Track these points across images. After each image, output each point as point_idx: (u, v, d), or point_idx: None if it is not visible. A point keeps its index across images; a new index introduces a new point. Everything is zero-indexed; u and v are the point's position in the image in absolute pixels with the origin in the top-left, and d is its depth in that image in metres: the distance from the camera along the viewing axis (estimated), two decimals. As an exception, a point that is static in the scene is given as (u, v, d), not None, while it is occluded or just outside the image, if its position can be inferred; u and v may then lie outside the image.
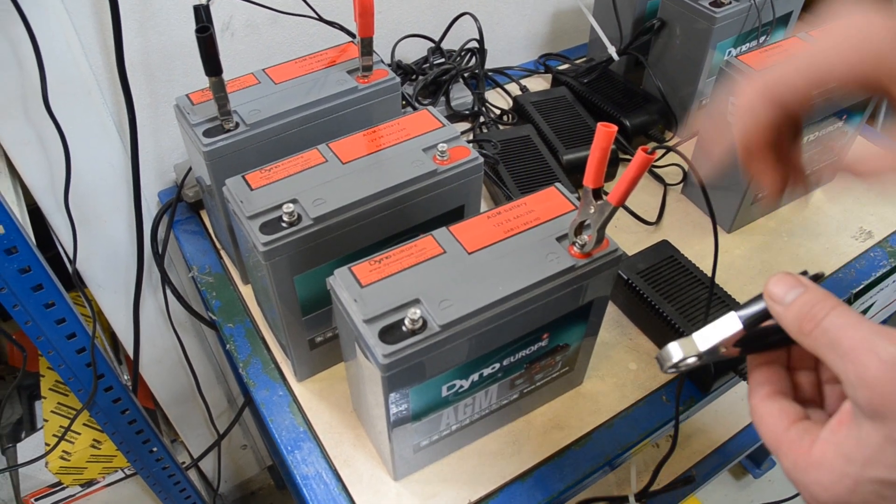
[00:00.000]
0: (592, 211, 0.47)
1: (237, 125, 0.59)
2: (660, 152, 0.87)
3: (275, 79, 0.63)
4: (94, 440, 1.01)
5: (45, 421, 1.00)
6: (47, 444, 0.98)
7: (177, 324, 0.94)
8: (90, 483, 1.08)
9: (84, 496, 1.10)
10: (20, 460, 1.01)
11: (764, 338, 0.33)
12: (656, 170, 0.86)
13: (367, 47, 0.62)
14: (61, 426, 0.99)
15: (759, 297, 0.33)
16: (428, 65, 0.93)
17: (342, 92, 0.62)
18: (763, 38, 0.85)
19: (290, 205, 0.51)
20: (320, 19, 0.77)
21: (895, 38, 0.32)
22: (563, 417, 0.62)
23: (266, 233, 0.51)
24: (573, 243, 0.49)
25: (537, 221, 0.51)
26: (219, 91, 0.57)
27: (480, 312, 0.46)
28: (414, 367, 0.45)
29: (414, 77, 0.92)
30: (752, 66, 0.69)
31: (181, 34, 0.75)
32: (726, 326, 0.33)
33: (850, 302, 0.76)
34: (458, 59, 0.94)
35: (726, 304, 0.65)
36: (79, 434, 1.00)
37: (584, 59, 1.02)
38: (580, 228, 0.49)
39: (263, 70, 0.64)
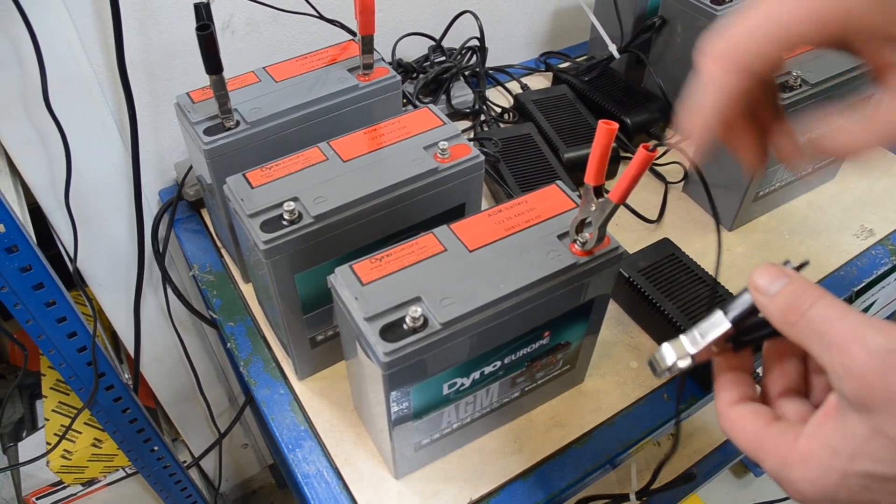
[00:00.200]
0: (594, 209, 0.47)
1: (238, 123, 0.59)
2: (661, 150, 0.87)
3: (275, 77, 0.63)
4: (96, 439, 1.01)
5: (47, 420, 1.00)
6: (48, 443, 0.98)
7: (177, 322, 0.94)
8: (91, 482, 1.08)
9: (85, 495, 1.10)
10: (21, 459, 1.02)
11: (754, 331, 0.33)
12: (657, 168, 0.86)
13: (367, 45, 0.62)
14: (62, 425, 1.00)
15: (745, 291, 0.32)
16: (429, 63, 0.92)
17: (343, 90, 0.62)
18: (764, 35, 0.85)
19: (291, 203, 0.51)
20: (321, 17, 0.77)
21: None
22: (565, 416, 0.62)
23: (267, 231, 0.51)
24: (574, 241, 0.49)
25: (538, 219, 0.51)
26: (219, 89, 0.57)
27: (481, 310, 0.46)
28: (415, 365, 0.45)
29: (415, 75, 0.92)
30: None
31: (182, 32, 0.75)
32: (715, 326, 0.33)
33: (851, 300, 0.76)
34: (459, 57, 0.94)
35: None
36: (80, 433, 1.00)
37: (584, 57, 1.02)
38: (581, 226, 0.49)
39: (264, 68, 0.64)
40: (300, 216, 0.52)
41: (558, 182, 0.55)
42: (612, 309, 0.71)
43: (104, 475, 1.08)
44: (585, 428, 0.61)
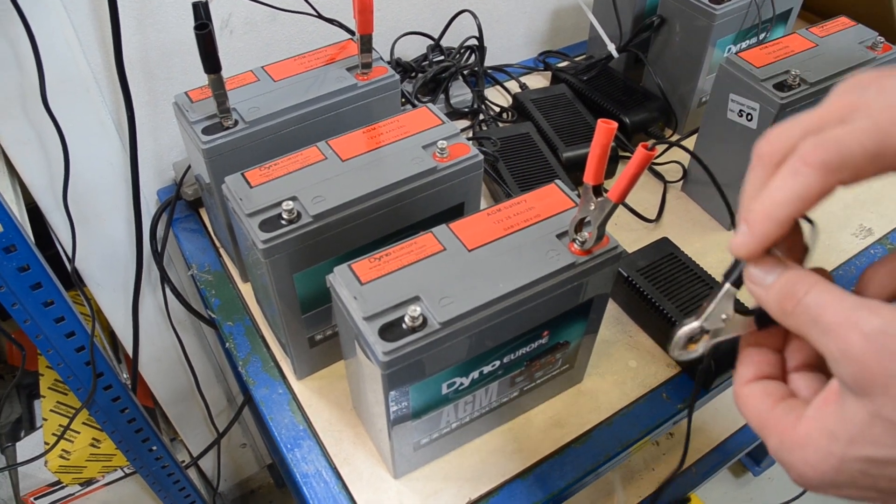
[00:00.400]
0: (593, 208, 0.47)
1: (236, 123, 0.59)
2: (660, 149, 0.87)
3: (274, 76, 0.63)
4: (94, 439, 1.01)
5: (45, 420, 1.00)
6: (46, 443, 0.98)
7: (176, 322, 0.94)
8: (89, 482, 1.08)
9: (83, 495, 1.10)
10: (19, 459, 1.01)
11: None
12: (656, 167, 0.86)
13: (366, 44, 0.62)
14: (60, 425, 0.99)
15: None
16: (427, 62, 0.92)
17: (341, 89, 0.62)
18: (763, 34, 0.85)
19: (290, 202, 0.51)
20: (319, 16, 0.77)
21: None
22: (564, 415, 0.62)
23: (265, 230, 0.51)
24: (573, 240, 0.49)
25: (537, 218, 0.51)
26: (218, 88, 0.57)
27: (481, 310, 0.46)
28: (414, 364, 0.45)
29: (413, 74, 0.92)
30: (752, 64, 0.69)
31: (180, 32, 0.75)
32: (717, 292, 0.33)
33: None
34: (458, 56, 0.94)
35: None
36: (78, 433, 1.00)
37: (583, 56, 1.02)
38: (580, 225, 0.49)
39: (262, 67, 0.64)
40: (299, 215, 0.52)
41: (557, 181, 0.54)
42: (611, 308, 0.70)
43: (102, 475, 1.08)
44: (584, 427, 0.61)
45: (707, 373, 0.62)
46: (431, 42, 0.94)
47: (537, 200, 0.53)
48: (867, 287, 0.32)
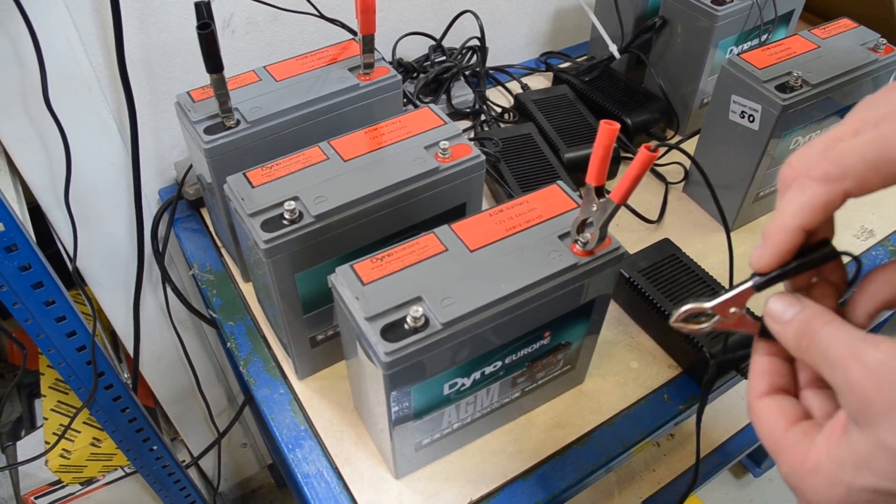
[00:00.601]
0: (595, 209, 0.46)
1: (238, 122, 0.59)
2: (661, 150, 0.87)
3: (276, 76, 0.63)
4: (94, 438, 1.01)
5: (45, 419, 1.00)
6: (47, 443, 0.98)
7: (177, 322, 0.94)
8: (90, 481, 1.08)
9: (84, 494, 1.10)
10: (20, 458, 1.01)
11: None
12: (658, 168, 0.86)
13: (368, 45, 0.62)
14: (61, 424, 0.99)
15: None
16: (429, 63, 0.92)
17: (343, 89, 0.62)
18: (765, 36, 0.85)
19: (292, 202, 0.51)
20: (322, 17, 0.77)
21: None
22: (565, 416, 0.62)
23: (267, 230, 0.51)
24: (575, 241, 0.49)
25: (539, 219, 0.51)
26: (220, 88, 0.57)
27: (483, 310, 0.46)
28: (416, 365, 0.45)
29: (415, 75, 0.92)
30: (754, 65, 0.69)
31: (182, 31, 0.75)
32: (740, 286, 0.33)
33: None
34: (460, 57, 0.94)
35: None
36: (79, 432, 1.00)
37: (585, 57, 1.02)
38: (583, 226, 0.49)
39: (264, 67, 0.64)
40: (301, 215, 0.51)
41: (559, 182, 0.54)
42: (613, 309, 0.70)
43: (103, 474, 1.08)
44: (586, 428, 0.61)
45: (709, 374, 0.62)
46: (433, 42, 0.94)
47: (539, 201, 0.53)
48: (868, 290, 0.33)
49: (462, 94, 0.92)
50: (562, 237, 0.50)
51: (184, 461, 1.10)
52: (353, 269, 0.47)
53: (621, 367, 0.66)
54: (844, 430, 0.28)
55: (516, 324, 0.49)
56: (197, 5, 0.52)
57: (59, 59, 0.67)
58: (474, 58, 0.96)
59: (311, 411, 0.62)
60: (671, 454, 1.16)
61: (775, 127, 0.68)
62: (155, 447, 0.96)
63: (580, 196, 0.51)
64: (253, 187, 0.54)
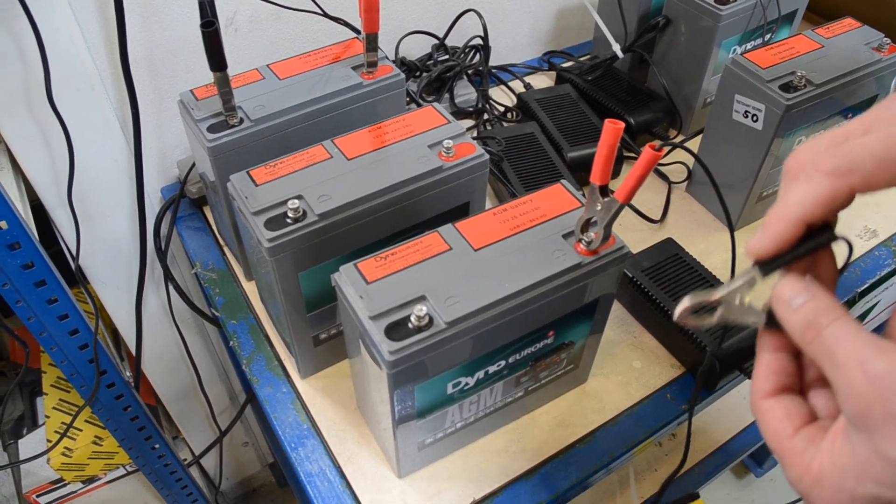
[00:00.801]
0: (599, 208, 0.46)
1: (241, 121, 0.59)
2: (665, 149, 0.87)
3: (279, 74, 0.63)
4: (96, 437, 1.01)
5: (47, 417, 1.00)
6: (49, 441, 0.98)
7: (179, 320, 0.94)
8: (92, 479, 1.08)
9: (85, 493, 1.10)
10: (22, 457, 1.01)
11: None
12: (661, 168, 0.86)
13: (371, 43, 0.62)
14: (63, 423, 0.99)
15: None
16: (432, 61, 0.92)
17: (347, 88, 0.62)
18: (768, 35, 0.85)
19: (295, 201, 0.51)
20: (325, 15, 0.77)
21: None
22: (568, 415, 0.62)
23: (271, 229, 0.50)
24: (579, 240, 0.49)
25: (543, 218, 0.51)
26: (223, 86, 0.57)
27: (486, 309, 0.46)
28: (419, 364, 0.45)
29: (418, 74, 0.92)
30: (758, 65, 0.69)
31: (185, 29, 0.75)
32: (742, 278, 0.33)
33: (854, 301, 0.76)
34: (463, 56, 0.94)
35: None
36: (80, 430, 1.00)
37: (588, 56, 1.02)
38: (587, 226, 0.49)
39: (268, 66, 0.64)
40: (304, 214, 0.51)
41: (563, 181, 0.54)
42: (616, 309, 0.70)
43: (105, 473, 1.08)
44: (589, 428, 0.61)
45: (711, 374, 0.62)
46: (436, 41, 0.94)
47: (543, 200, 0.53)
48: None
49: (465, 93, 0.92)
50: (566, 236, 0.50)
51: (185, 460, 1.10)
52: (356, 268, 0.47)
53: (624, 367, 0.66)
54: (846, 435, 0.28)
55: (520, 323, 0.49)
56: (201, 3, 0.52)
57: (63, 57, 0.67)
58: (477, 57, 0.96)
59: (314, 410, 0.62)
60: (673, 454, 1.16)
61: (779, 127, 0.68)
62: (157, 446, 0.96)
63: (583, 195, 0.51)
64: (256, 186, 0.53)
